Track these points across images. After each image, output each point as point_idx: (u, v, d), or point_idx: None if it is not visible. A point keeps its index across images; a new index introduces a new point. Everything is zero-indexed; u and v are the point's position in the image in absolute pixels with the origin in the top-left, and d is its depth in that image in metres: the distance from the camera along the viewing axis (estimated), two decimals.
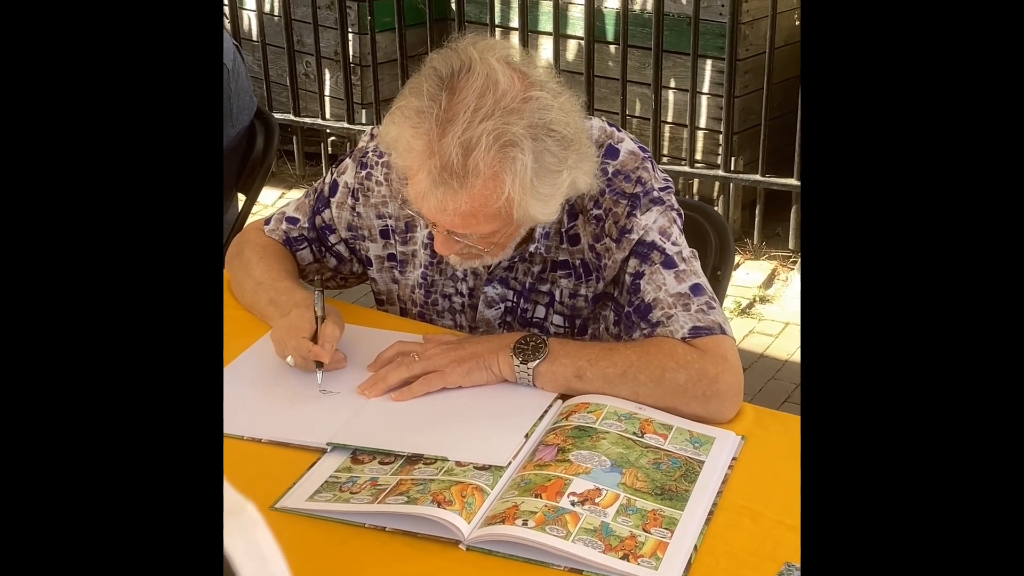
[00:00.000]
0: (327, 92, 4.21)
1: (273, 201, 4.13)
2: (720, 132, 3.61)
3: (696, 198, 3.75)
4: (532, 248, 1.50)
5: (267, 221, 1.71)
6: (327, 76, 4.21)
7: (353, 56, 4.11)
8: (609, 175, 1.46)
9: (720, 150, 3.62)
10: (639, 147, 1.50)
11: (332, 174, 1.65)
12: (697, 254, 1.48)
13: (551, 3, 3.67)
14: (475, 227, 1.34)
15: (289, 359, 1.45)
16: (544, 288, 1.54)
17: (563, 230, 1.49)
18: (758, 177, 3.60)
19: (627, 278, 1.45)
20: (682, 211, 1.51)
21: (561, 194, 1.35)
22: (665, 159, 3.76)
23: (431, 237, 1.54)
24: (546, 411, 1.37)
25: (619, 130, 1.51)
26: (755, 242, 3.73)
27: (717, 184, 3.74)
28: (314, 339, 1.44)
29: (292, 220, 1.68)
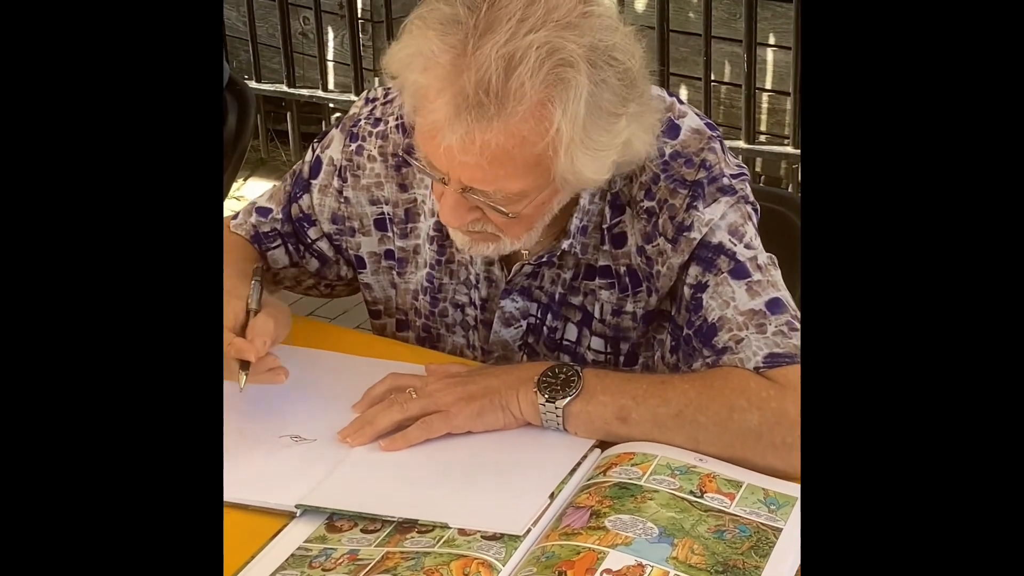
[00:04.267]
0: (329, 56, 4.27)
1: None
2: None
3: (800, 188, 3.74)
4: (565, 245, 1.49)
5: (235, 216, 1.73)
6: (329, 36, 4.26)
7: (362, 10, 4.16)
8: (666, 157, 1.46)
9: None
10: (706, 123, 1.51)
11: (315, 150, 1.66)
12: (776, 260, 1.47)
13: None
14: (502, 180, 1.33)
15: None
16: (576, 300, 1.54)
17: (604, 226, 1.50)
18: None
19: (686, 290, 1.46)
20: (758, 205, 1.50)
21: (614, 151, 1.35)
22: (763, 137, 3.75)
23: (438, 227, 1.54)
24: (579, 463, 1.37)
25: (681, 102, 1.52)
26: None
27: None
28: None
29: (263, 211, 1.69)
